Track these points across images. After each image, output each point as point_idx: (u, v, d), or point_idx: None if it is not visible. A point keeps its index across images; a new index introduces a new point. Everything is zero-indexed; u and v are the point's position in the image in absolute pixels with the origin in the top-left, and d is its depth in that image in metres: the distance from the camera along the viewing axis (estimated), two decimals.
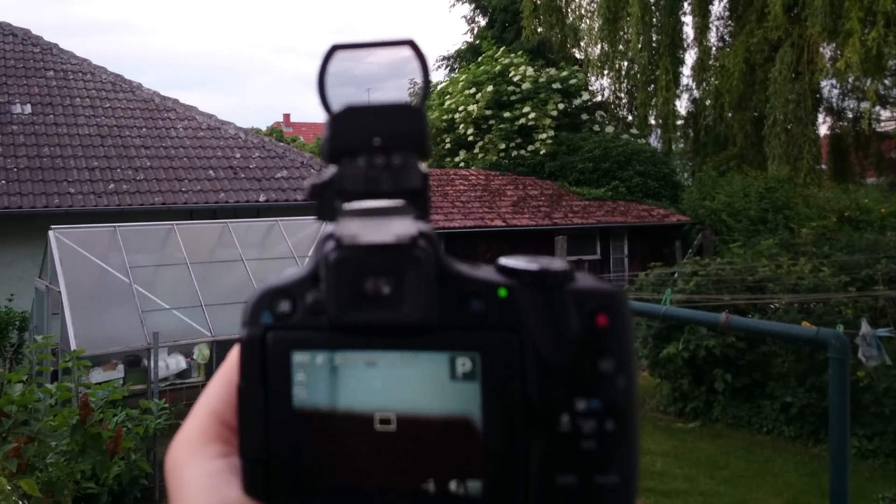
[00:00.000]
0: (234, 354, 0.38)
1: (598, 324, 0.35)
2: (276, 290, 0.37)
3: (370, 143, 0.35)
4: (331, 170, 0.36)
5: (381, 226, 0.35)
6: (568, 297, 0.36)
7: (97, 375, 6.81)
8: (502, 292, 0.36)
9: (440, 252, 0.36)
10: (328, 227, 0.36)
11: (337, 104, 0.37)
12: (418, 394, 0.35)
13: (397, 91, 0.37)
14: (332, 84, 0.37)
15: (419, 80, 0.38)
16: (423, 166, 0.36)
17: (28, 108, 12.78)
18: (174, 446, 0.39)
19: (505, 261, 0.37)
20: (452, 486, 0.35)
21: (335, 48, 0.38)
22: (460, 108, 19.50)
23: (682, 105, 25.74)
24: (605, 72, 20.00)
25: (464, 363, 0.35)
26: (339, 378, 0.35)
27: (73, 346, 6.58)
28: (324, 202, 0.36)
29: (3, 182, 11.21)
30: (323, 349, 0.36)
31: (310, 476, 0.36)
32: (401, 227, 0.35)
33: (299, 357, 0.36)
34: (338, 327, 0.35)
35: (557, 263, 0.36)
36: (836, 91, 18.51)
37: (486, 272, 0.37)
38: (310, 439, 0.35)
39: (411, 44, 0.37)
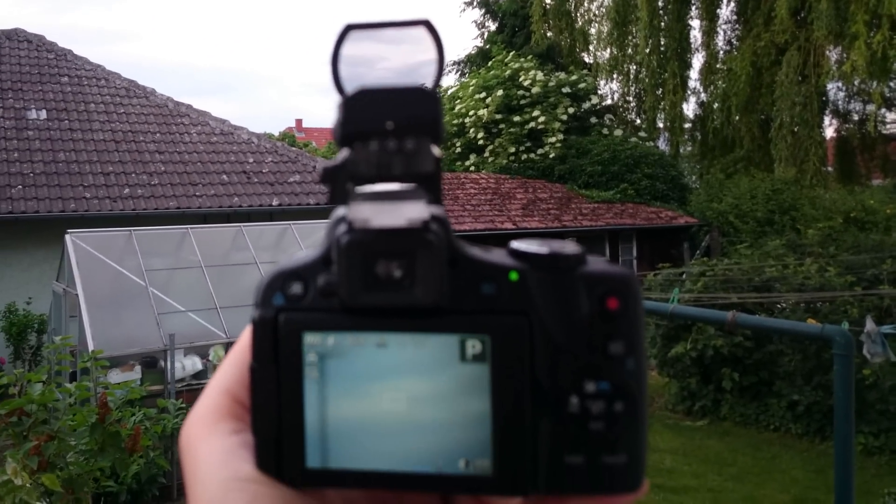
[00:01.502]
0: (246, 335, 0.39)
1: (608, 307, 0.35)
2: (288, 272, 0.37)
3: (383, 127, 0.35)
4: (343, 153, 0.36)
5: (393, 210, 0.35)
6: (579, 280, 0.36)
7: (115, 376, 6.88)
8: (513, 276, 0.36)
9: (452, 235, 0.36)
10: (339, 211, 0.36)
11: (349, 85, 0.37)
12: (428, 375, 0.35)
13: (409, 71, 0.37)
14: (344, 65, 0.37)
15: (432, 60, 0.38)
16: (437, 150, 0.36)
17: (43, 114, 12.83)
18: (188, 423, 0.40)
19: (517, 244, 0.37)
20: (461, 464, 0.35)
21: (349, 28, 0.37)
22: (470, 113, 19.52)
23: (690, 108, 25.64)
24: (614, 76, 20.02)
25: (474, 345, 0.35)
26: (350, 359, 0.36)
27: (90, 348, 6.63)
28: (336, 186, 0.36)
29: (20, 187, 11.30)
30: (334, 331, 0.36)
31: (320, 454, 0.36)
32: (413, 211, 0.35)
33: (311, 338, 0.36)
34: (349, 309, 0.36)
35: (569, 247, 0.36)
36: (842, 94, 18.46)
37: (497, 256, 0.37)
38: (320, 418, 0.36)
39: (426, 24, 0.37)
